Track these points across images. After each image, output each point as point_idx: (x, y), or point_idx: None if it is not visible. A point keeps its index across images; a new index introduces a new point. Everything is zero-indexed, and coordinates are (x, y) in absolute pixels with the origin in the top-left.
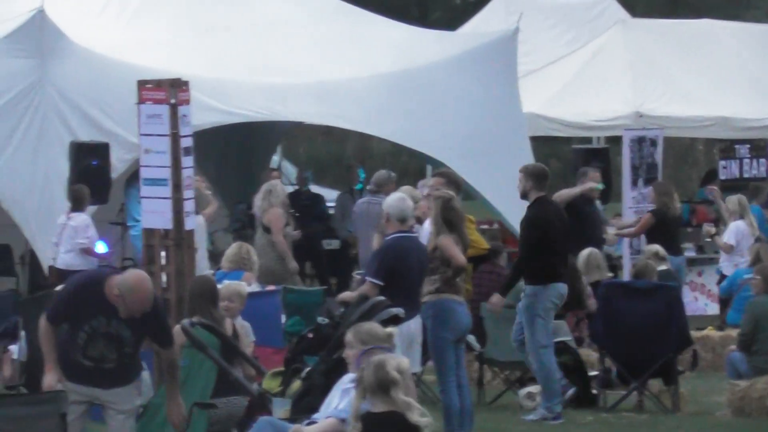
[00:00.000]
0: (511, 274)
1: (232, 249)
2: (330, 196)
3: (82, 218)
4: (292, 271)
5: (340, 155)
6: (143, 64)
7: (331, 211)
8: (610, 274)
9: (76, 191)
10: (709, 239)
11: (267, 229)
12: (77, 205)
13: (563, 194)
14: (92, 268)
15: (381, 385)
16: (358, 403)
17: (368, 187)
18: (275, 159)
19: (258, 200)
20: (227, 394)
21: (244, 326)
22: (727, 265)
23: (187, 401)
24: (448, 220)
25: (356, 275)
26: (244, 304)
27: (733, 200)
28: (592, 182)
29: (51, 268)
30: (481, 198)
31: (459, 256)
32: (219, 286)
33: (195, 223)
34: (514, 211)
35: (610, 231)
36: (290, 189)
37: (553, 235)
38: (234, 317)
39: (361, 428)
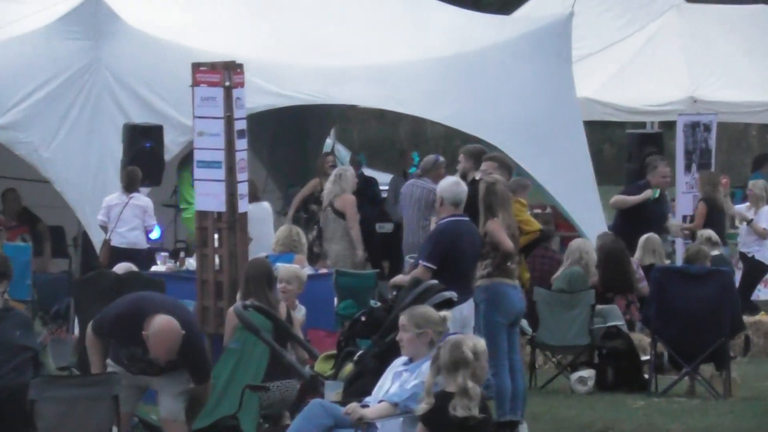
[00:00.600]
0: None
1: (282, 232)
2: (383, 179)
3: (146, 199)
4: (361, 259)
5: (394, 139)
6: (197, 47)
7: (384, 195)
8: (667, 261)
9: (130, 172)
10: (746, 224)
11: (339, 214)
12: (130, 187)
13: (622, 200)
14: (141, 296)
15: (454, 364)
16: (432, 379)
17: (416, 171)
18: (328, 142)
19: (329, 184)
20: (280, 377)
21: (300, 309)
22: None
23: (239, 384)
24: (489, 205)
25: (409, 259)
26: (302, 288)
27: (759, 185)
28: (649, 190)
29: (105, 243)
30: (534, 182)
31: (506, 242)
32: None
33: (261, 209)
34: (567, 196)
35: (673, 221)
36: None
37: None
38: (291, 300)
39: (433, 403)
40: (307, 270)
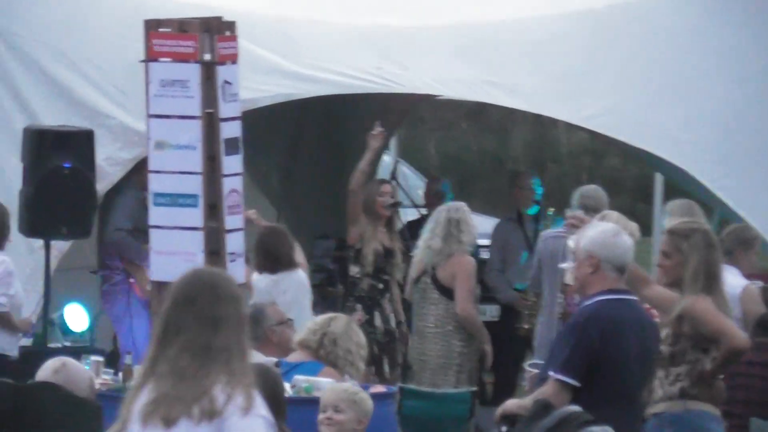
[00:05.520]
0: None
1: (311, 324)
2: (483, 225)
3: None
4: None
5: (498, 153)
6: None
7: (485, 253)
8: None
9: None
10: None
11: (443, 289)
12: None
13: None
14: None
15: None
16: None
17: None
18: (386, 160)
19: (429, 234)
20: None
21: None
22: None
23: None
24: (710, 271)
25: (528, 367)
26: (366, 423)
27: None
28: None
29: None
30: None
31: (735, 333)
32: (288, 384)
33: (293, 282)
34: None
35: None
36: (411, 212)
37: None
38: None
39: None
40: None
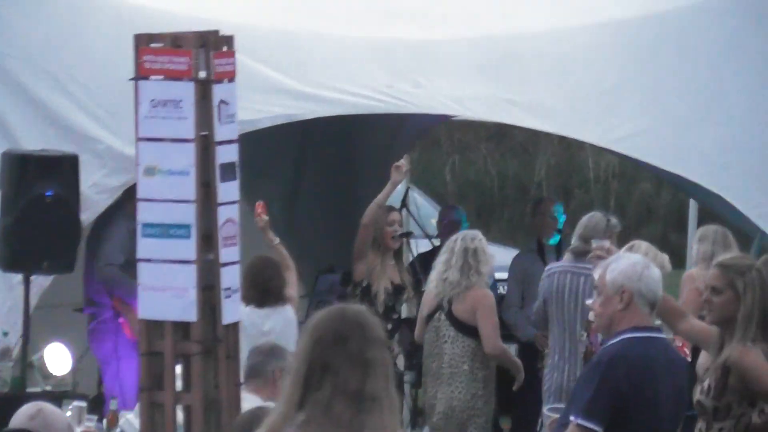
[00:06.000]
0: None
1: None
2: (501, 257)
3: None
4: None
5: (522, 179)
6: (147, 3)
7: (502, 289)
8: None
9: None
10: None
11: (460, 325)
12: None
13: None
14: None
15: None
16: None
17: (572, 245)
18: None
19: (444, 266)
20: None
21: None
22: None
23: None
24: (765, 316)
25: (548, 412)
26: None
27: None
28: None
29: None
30: None
31: None
32: None
33: (281, 319)
34: None
35: None
36: (423, 244)
37: None
38: None
39: None
40: None
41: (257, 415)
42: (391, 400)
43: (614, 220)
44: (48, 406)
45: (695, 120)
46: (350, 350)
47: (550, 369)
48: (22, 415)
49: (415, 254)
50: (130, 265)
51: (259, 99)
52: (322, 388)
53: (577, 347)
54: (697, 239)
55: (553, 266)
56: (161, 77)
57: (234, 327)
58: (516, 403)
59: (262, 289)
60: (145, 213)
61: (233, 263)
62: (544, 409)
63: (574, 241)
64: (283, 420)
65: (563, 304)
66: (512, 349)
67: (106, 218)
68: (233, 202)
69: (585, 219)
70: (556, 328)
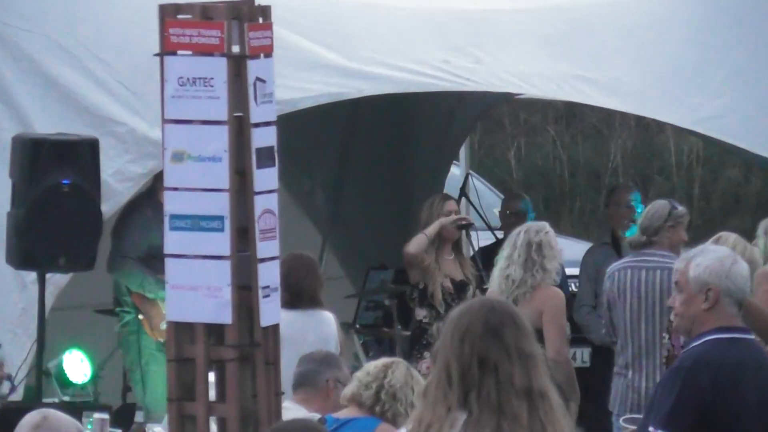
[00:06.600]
0: None
1: (362, 375)
2: (572, 250)
3: None
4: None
5: (595, 165)
6: None
7: (574, 285)
8: None
9: None
10: None
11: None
12: None
13: None
14: None
15: None
16: None
17: (636, 235)
18: (455, 173)
19: (506, 262)
20: None
21: None
22: None
23: None
24: None
25: (623, 423)
26: None
27: None
28: None
29: None
30: None
31: None
32: None
33: (318, 322)
34: None
35: None
36: (485, 236)
37: None
38: None
39: None
40: None
41: (310, 426)
42: (557, 396)
43: (681, 208)
44: (54, 413)
45: None
46: (507, 343)
47: (616, 379)
48: (25, 424)
49: (476, 248)
50: (153, 258)
51: (299, 76)
52: (485, 385)
53: (641, 350)
54: (763, 231)
55: (613, 266)
56: (190, 52)
57: (274, 330)
58: (588, 412)
59: (294, 291)
60: (173, 203)
61: (272, 259)
62: (620, 420)
63: (634, 234)
64: (439, 423)
65: (626, 303)
66: (585, 353)
67: (132, 205)
68: (271, 191)
69: (648, 207)
70: (623, 332)
